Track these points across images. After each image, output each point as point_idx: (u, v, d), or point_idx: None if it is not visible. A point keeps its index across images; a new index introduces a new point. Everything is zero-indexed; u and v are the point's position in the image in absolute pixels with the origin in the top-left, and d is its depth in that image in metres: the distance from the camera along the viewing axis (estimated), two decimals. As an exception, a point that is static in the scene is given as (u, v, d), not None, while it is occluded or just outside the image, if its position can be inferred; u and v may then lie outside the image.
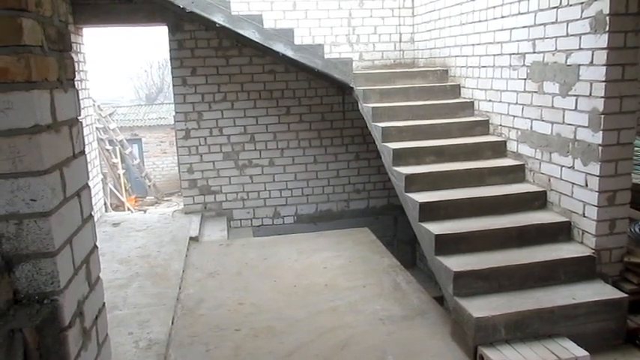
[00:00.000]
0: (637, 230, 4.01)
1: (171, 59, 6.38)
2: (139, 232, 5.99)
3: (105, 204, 8.46)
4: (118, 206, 13.18)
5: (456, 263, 3.64)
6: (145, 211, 8.04)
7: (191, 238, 5.77)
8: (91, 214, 1.77)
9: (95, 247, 1.82)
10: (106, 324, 1.89)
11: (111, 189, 13.04)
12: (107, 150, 14.00)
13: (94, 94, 7.60)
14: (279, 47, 5.31)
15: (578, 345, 3.22)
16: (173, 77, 6.47)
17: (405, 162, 4.62)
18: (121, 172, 14.21)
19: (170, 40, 6.30)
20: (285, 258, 5.27)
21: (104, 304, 1.87)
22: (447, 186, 4.39)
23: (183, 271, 4.89)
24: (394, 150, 4.63)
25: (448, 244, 3.82)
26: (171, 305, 4.15)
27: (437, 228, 3.91)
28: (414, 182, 4.36)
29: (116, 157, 14.28)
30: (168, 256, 5.19)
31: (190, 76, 6.41)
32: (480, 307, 3.37)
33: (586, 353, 3.13)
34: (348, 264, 5.03)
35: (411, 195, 4.27)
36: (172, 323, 3.88)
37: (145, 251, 5.35)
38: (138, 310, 4.04)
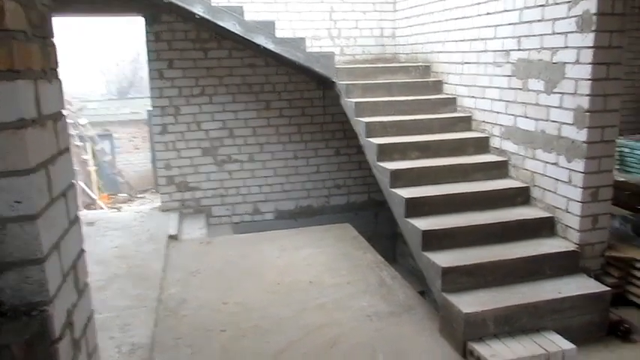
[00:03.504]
0: (617, 225, 4.07)
1: (147, 51, 6.21)
2: (115, 232, 5.83)
3: (78, 201, 8.22)
4: (90, 204, 12.85)
5: (444, 259, 3.63)
6: (118, 209, 7.85)
7: (170, 237, 5.64)
8: (77, 216, 1.68)
9: (82, 250, 1.73)
10: (95, 332, 1.80)
11: (82, 187, 12.71)
12: (77, 146, 13.62)
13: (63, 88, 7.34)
14: (261, 40, 5.20)
15: (565, 338, 3.25)
16: (149, 70, 6.29)
17: (390, 157, 4.58)
18: (92, 168, 13.85)
19: (146, 32, 6.12)
20: (267, 255, 5.20)
21: (93, 311, 1.78)
22: (431, 181, 4.38)
23: (163, 270, 4.77)
24: (379, 145, 4.59)
25: (435, 240, 3.81)
26: (152, 307, 4.04)
27: (423, 224, 3.89)
28: (400, 178, 4.34)
29: (87, 153, 13.91)
30: (147, 256, 5.06)
31: (167, 69, 6.25)
32: (469, 303, 3.36)
33: (573, 346, 3.16)
34: (331, 260, 4.99)
35: (397, 191, 4.24)
36: (155, 325, 3.77)
37: (122, 251, 5.20)
38: (118, 313, 3.92)
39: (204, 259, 5.13)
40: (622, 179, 4.85)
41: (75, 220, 1.65)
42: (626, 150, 5.86)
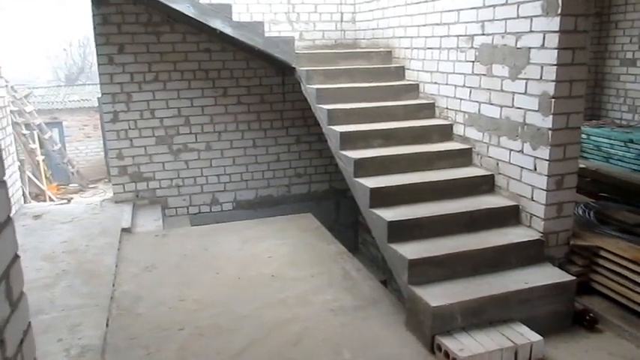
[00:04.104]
0: (580, 213, 4.08)
1: (95, 35, 5.86)
2: (64, 225, 5.50)
3: (23, 194, 7.77)
4: (38, 195, 12.26)
5: (410, 251, 3.54)
6: (69, 201, 7.45)
7: (123, 230, 5.36)
8: (9, 217, 1.46)
9: (17, 256, 1.51)
10: (33, 347, 1.59)
11: (29, 177, 12.09)
12: (24, 135, 12.94)
13: (6, 74, 6.89)
14: (217, 24, 4.96)
15: (532, 329, 3.22)
16: (98, 55, 5.94)
17: (353, 146, 4.46)
18: (40, 158, 13.19)
19: (94, 15, 5.76)
20: (227, 248, 5.01)
21: (29, 323, 1.57)
22: (395, 170, 4.28)
23: (116, 266, 4.52)
24: (341, 133, 4.46)
25: (401, 231, 3.71)
26: (104, 305, 3.81)
27: (389, 214, 3.79)
28: (363, 167, 4.22)
29: (34, 142, 13.23)
30: (98, 250, 4.79)
31: (117, 54, 5.92)
32: (436, 296, 3.29)
33: (540, 338, 3.13)
34: (294, 252, 4.85)
35: (361, 180, 4.12)
36: (107, 325, 3.55)
37: (72, 246, 4.90)
38: (67, 312, 3.67)
39: (160, 252, 4.90)
40: (582, 166, 4.89)
41: (7, 222, 1.43)
42: (583, 136, 5.93)
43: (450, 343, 3.09)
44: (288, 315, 3.71)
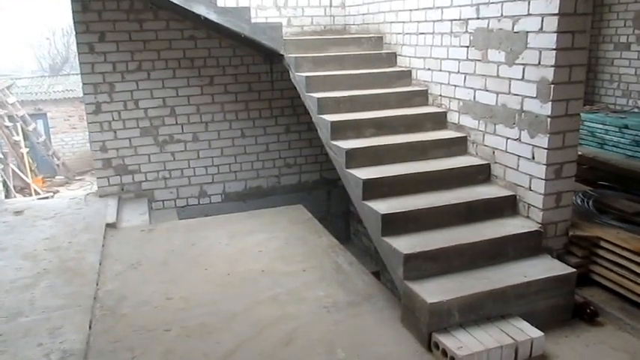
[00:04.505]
0: (579, 202, 3.97)
1: (74, 23, 5.63)
2: (46, 221, 5.32)
3: (7, 188, 7.56)
4: (24, 189, 12.02)
5: (405, 245, 3.40)
6: (53, 195, 7.27)
7: (108, 225, 5.19)
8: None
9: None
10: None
11: (14, 170, 11.84)
12: (7, 127, 12.67)
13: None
14: (201, 10, 4.76)
15: (531, 324, 3.11)
16: (78, 44, 5.72)
17: (344, 135, 4.30)
18: (24, 151, 12.94)
19: (73, 1, 5.53)
20: (215, 242, 4.86)
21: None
22: (389, 160, 4.14)
23: (100, 263, 4.36)
24: (332, 123, 4.30)
25: (395, 224, 3.57)
26: (87, 306, 3.66)
27: (382, 207, 3.65)
28: (355, 157, 4.07)
29: (18, 134, 12.96)
30: (81, 248, 4.63)
31: (98, 43, 5.70)
32: (433, 292, 3.16)
33: (541, 333, 3.02)
34: (284, 246, 4.71)
35: (353, 171, 3.97)
36: (90, 328, 3.41)
37: (54, 243, 4.73)
38: (48, 314, 3.52)
39: (146, 248, 4.74)
40: (579, 153, 4.78)
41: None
42: (578, 123, 5.81)
43: (447, 341, 2.98)
44: (280, 313, 3.58)
